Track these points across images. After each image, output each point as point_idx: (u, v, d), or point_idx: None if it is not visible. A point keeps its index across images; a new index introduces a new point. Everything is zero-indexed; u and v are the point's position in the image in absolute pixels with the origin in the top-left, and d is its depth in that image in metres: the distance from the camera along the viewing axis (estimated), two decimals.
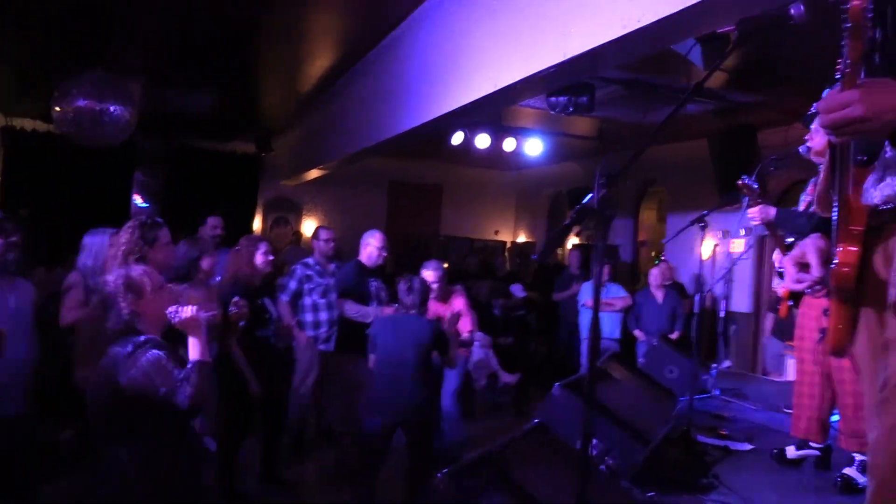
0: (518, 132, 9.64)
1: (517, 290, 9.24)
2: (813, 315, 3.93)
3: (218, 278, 4.84)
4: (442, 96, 5.77)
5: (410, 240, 12.67)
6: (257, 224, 12.71)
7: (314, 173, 10.95)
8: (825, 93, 1.51)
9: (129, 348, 2.66)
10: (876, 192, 1.62)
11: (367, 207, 12.94)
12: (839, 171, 1.62)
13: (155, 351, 2.67)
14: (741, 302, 9.15)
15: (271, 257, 4.77)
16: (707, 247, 8.86)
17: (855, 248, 1.61)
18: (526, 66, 4.49)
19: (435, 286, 5.39)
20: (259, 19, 6.48)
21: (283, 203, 13.09)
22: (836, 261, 1.63)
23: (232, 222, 7.57)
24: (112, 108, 7.14)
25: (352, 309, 5.39)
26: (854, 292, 1.65)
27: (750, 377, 8.64)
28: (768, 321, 8.53)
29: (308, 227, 13.02)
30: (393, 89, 6.81)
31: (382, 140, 7.28)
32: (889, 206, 1.61)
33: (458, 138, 9.17)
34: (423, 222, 13.77)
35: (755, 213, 3.68)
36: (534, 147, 9.71)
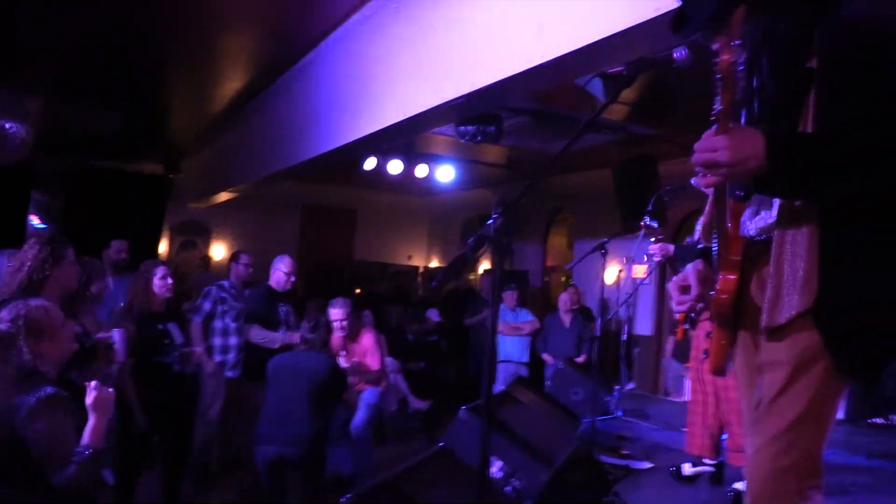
0: (430, 158, 9.77)
1: (433, 315, 9.31)
2: (703, 336, 4.15)
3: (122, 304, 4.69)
4: (353, 122, 5.81)
5: (323, 264, 12.59)
6: (164, 247, 12.33)
7: (224, 196, 10.75)
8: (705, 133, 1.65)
9: (33, 401, 2.47)
10: (752, 225, 1.78)
11: (279, 231, 12.76)
12: (718, 206, 1.76)
13: (61, 414, 2.49)
14: (644, 325, 9.50)
15: (170, 281, 4.63)
16: (611, 272, 9.19)
17: (733, 277, 1.76)
18: (435, 96, 4.60)
19: (343, 324, 5.36)
20: (168, 39, 6.37)
21: (192, 226, 12.76)
22: (716, 288, 1.78)
23: (137, 246, 7.34)
24: (8, 126, 6.84)
25: (258, 334, 5.32)
26: (732, 317, 1.79)
27: (651, 398, 8.97)
28: (669, 344, 8.90)
29: (217, 250, 12.74)
30: (306, 113, 6.81)
31: (295, 164, 7.25)
32: (762, 238, 1.76)
33: (370, 164, 9.21)
34: (337, 247, 13.70)
35: (656, 250, 3.92)
36: (446, 173, 9.86)
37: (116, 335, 3.75)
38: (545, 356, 7.99)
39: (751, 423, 1.78)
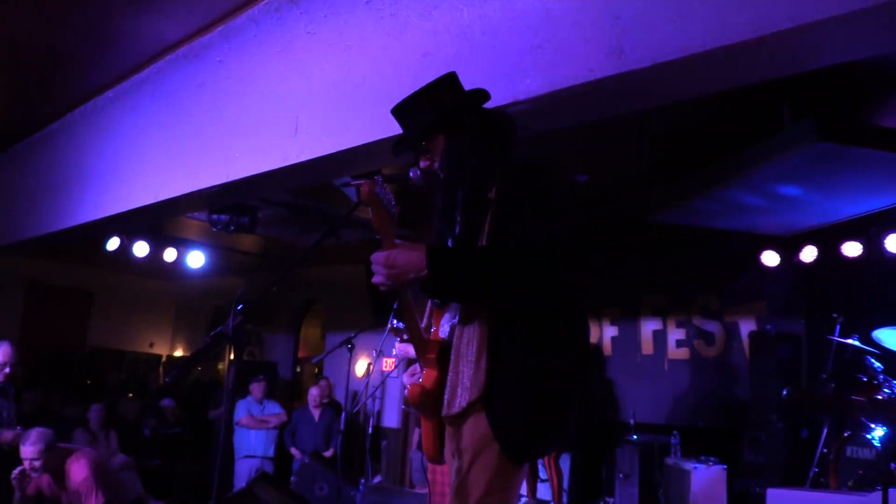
0: (180, 242, 9.40)
1: (167, 403, 8.76)
2: None
3: None
4: (97, 200, 5.50)
5: (51, 351, 11.32)
6: None
7: None
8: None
9: None
10: (447, 327, 2.08)
11: None
12: (405, 314, 2.07)
13: None
14: (392, 418, 9.69)
15: None
16: (362, 365, 9.33)
17: (432, 373, 2.04)
18: (188, 183, 4.53)
19: (36, 464, 4.30)
20: None
21: None
22: (418, 384, 2.05)
23: None
24: None
25: None
26: (436, 408, 2.01)
27: (398, 491, 9.05)
28: (415, 436, 9.14)
29: None
30: (44, 185, 6.29)
31: (25, 238, 6.60)
32: (449, 336, 2.06)
33: (113, 244, 8.64)
34: (68, 331, 12.41)
35: (401, 350, 4.11)
36: (196, 259, 9.52)
37: None
38: (293, 450, 7.83)
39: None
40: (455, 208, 2.03)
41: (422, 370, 2.05)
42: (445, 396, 1.96)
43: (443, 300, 2.04)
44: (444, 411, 1.96)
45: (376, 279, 1.93)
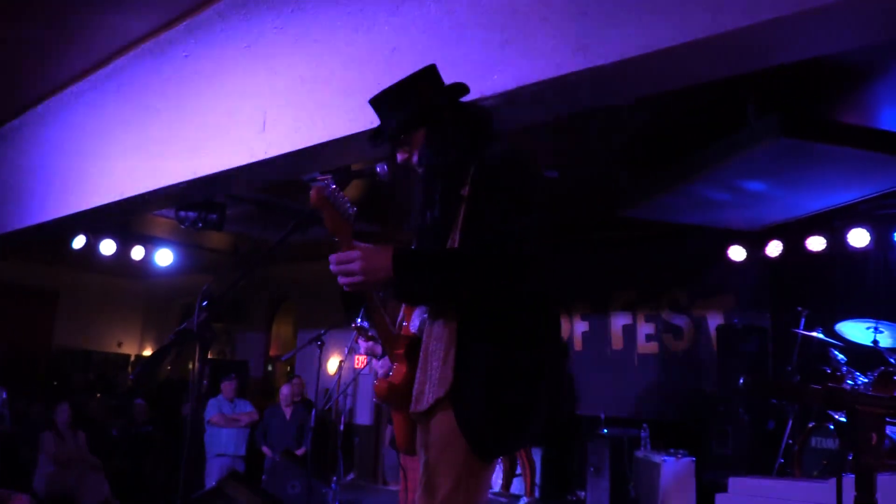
0: (148, 240, 9.28)
1: (139, 402, 8.67)
2: None
3: None
4: (62, 198, 5.41)
5: (16, 351, 11.12)
6: None
7: None
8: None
9: None
10: (416, 322, 2.09)
11: None
12: (372, 311, 2.07)
13: None
14: (364, 415, 9.68)
15: None
16: (333, 362, 9.30)
17: (400, 368, 2.06)
18: (154, 179, 4.48)
19: None
20: None
21: None
22: (388, 378, 2.07)
23: None
24: None
25: None
26: (405, 402, 2.02)
27: (371, 488, 9.06)
28: (388, 432, 9.13)
29: None
30: (6, 183, 6.18)
31: None
32: (418, 333, 2.07)
33: (79, 242, 8.51)
34: (33, 331, 12.19)
35: (366, 350, 4.11)
36: (164, 257, 9.40)
37: None
38: (264, 448, 7.77)
39: (418, 500, 1.97)
40: (432, 203, 2.03)
41: (391, 365, 2.05)
42: (414, 392, 1.97)
43: (410, 303, 2.04)
44: (413, 407, 1.96)
45: (341, 280, 1.92)
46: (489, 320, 1.90)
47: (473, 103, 2.25)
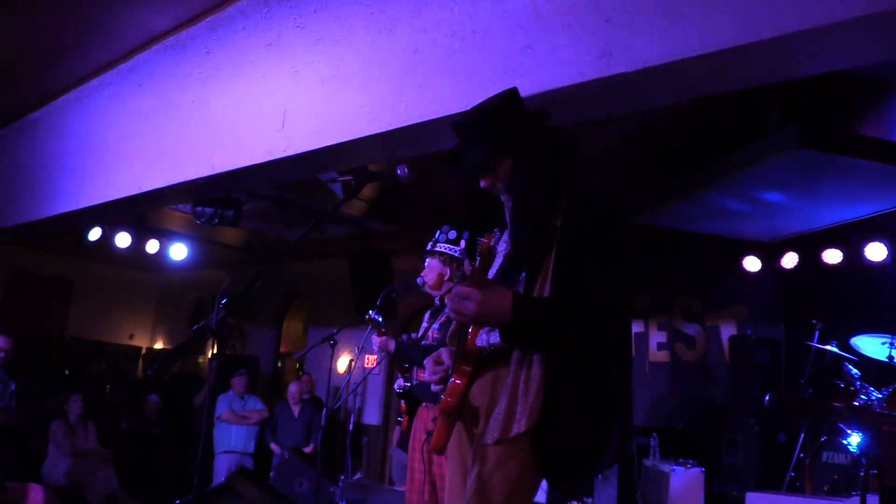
0: (163, 234, 9.32)
1: (153, 399, 8.71)
2: (422, 427, 4.38)
3: None
4: (80, 190, 5.44)
5: (30, 340, 11.19)
6: None
7: None
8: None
9: None
10: (486, 338, 2.07)
11: None
12: (462, 328, 2.07)
13: None
14: (372, 414, 9.68)
15: None
16: (344, 361, 9.31)
17: (461, 382, 2.06)
18: (173, 174, 4.50)
19: None
20: None
21: None
22: (445, 392, 2.07)
23: None
24: None
25: None
26: (456, 413, 2.05)
27: (378, 487, 9.04)
28: (395, 433, 9.14)
29: None
30: (25, 173, 6.22)
31: (6, 226, 6.52)
32: (488, 351, 2.06)
33: (95, 234, 8.56)
34: (47, 321, 12.27)
35: (378, 345, 4.10)
36: (179, 251, 9.44)
37: None
38: (273, 445, 7.80)
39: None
40: (524, 234, 2.04)
41: (452, 375, 2.05)
42: (497, 417, 1.96)
43: (519, 347, 2.00)
44: (499, 434, 1.94)
45: (457, 313, 1.92)
46: (578, 360, 1.94)
47: (556, 129, 2.21)
